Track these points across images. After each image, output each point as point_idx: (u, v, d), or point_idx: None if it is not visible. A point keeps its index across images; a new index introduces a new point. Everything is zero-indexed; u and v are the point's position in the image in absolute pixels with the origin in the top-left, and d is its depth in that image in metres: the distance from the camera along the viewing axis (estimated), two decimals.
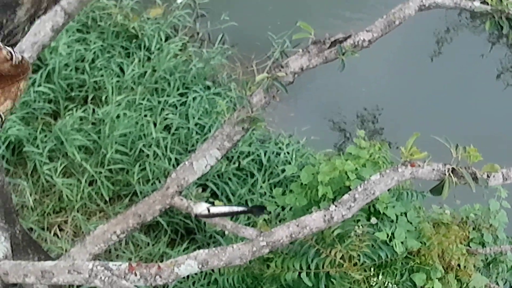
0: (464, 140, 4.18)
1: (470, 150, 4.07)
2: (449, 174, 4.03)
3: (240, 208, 5.85)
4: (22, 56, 2.86)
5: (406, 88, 8.88)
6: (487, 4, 5.06)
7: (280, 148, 7.59)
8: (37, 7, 2.93)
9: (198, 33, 9.12)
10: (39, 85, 7.42)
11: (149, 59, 8.15)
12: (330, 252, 4.72)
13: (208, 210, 4.48)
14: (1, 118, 3.05)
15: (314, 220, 4.11)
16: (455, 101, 8.73)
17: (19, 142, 7.05)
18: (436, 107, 8.64)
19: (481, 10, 5.08)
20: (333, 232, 4.75)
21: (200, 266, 3.99)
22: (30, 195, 6.79)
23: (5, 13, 2.84)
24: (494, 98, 9.07)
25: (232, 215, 5.42)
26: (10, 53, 2.79)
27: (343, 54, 4.63)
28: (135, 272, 3.86)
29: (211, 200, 6.25)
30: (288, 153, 7.50)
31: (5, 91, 2.98)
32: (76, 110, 7.39)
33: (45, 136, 7.13)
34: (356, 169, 5.07)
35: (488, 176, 4.17)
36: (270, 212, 6.08)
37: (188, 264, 3.97)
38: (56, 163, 6.94)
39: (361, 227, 4.69)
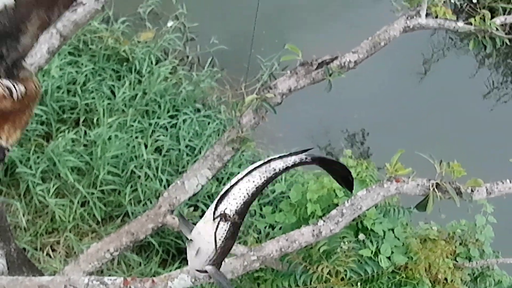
0: (451, 158, 4.29)
1: (454, 165, 4.20)
2: (434, 189, 4.15)
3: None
4: (25, 86, 2.78)
5: (394, 109, 8.98)
6: (471, 24, 5.19)
7: None
8: (43, 28, 2.91)
9: (187, 57, 9.21)
10: None
11: (140, 82, 8.23)
12: (317, 268, 4.82)
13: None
14: (8, 150, 2.95)
15: (303, 235, 4.22)
16: (443, 121, 8.86)
17: (12, 163, 7.11)
18: (424, 127, 8.75)
19: (465, 30, 5.21)
20: (319, 249, 4.85)
21: (193, 280, 4.08)
22: (23, 215, 6.84)
23: (4, 43, 2.77)
24: (480, 117, 9.21)
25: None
26: (9, 89, 2.71)
27: (330, 75, 4.77)
28: (129, 287, 3.95)
29: None
30: None
31: (16, 123, 2.89)
32: (68, 132, 7.45)
33: (38, 157, 7.19)
34: None
35: (472, 191, 4.29)
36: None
37: (181, 278, 4.06)
38: (48, 184, 7.00)
39: (347, 243, 4.79)
